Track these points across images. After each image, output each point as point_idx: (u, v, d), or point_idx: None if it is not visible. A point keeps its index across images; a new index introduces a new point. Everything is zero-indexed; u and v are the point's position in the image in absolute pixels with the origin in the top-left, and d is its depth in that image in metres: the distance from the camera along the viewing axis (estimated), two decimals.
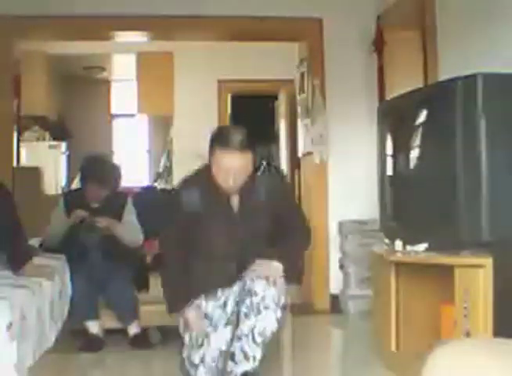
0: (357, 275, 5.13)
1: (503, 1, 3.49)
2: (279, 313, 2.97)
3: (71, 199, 4.45)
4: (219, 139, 2.98)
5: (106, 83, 9.60)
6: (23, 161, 7.31)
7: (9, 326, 2.44)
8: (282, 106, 8.02)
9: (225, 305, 3.10)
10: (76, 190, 4.92)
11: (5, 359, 2.40)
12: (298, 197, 6.81)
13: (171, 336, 4.28)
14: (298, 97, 6.28)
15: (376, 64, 5.24)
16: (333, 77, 5.36)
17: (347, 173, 5.34)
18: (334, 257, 5.34)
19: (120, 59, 8.52)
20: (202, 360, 3.03)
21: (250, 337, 2.92)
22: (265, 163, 10.26)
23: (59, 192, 7.46)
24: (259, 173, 3.37)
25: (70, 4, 5.08)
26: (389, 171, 3.55)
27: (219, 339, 3.04)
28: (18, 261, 3.23)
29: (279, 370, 3.77)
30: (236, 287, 3.08)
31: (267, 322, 2.94)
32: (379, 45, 5.17)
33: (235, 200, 3.11)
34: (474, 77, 2.84)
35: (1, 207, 3.22)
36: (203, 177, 3.09)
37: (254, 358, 2.92)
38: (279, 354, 4.04)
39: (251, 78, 7.48)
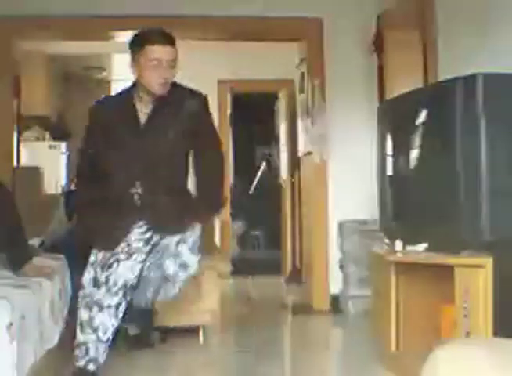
0: (357, 275, 5.13)
1: (503, 2, 3.49)
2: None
3: (72, 199, 4.45)
4: (146, 38, 3.10)
5: (106, 83, 9.60)
6: (23, 161, 7.31)
7: (9, 326, 2.44)
8: (282, 106, 8.02)
9: (147, 241, 3.28)
10: None
11: (5, 359, 2.40)
12: (298, 197, 6.80)
13: (171, 336, 4.29)
14: (298, 97, 6.29)
15: (376, 64, 5.24)
16: (333, 77, 5.36)
17: (347, 173, 5.34)
18: (334, 257, 5.34)
19: (120, 59, 8.50)
20: (106, 281, 3.24)
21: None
22: (264, 163, 10.29)
23: (59, 192, 7.46)
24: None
25: (70, 4, 5.08)
26: (389, 171, 3.55)
27: (127, 269, 3.25)
28: (18, 261, 3.23)
29: (280, 369, 3.78)
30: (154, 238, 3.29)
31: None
32: (379, 45, 5.17)
33: (144, 113, 3.19)
34: (474, 77, 2.84)
35: (1, 207, 3.22)
36: (116, 95, 3.33)
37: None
38: (280, 354, 4.05)
39: (251, 78, 7.48)
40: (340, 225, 5.29)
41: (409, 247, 3.29)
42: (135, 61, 3.13)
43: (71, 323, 3.81)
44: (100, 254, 3.26)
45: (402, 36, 4.94)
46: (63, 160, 8.26)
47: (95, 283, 3.26)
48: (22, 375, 2.57)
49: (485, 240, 2.82)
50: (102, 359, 3.32)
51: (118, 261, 3.24)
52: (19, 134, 6.55)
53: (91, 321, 3.27)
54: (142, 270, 3.34)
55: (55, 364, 3.42)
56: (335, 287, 5.32)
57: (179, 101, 3.20)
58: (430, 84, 3.97)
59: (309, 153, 5.54)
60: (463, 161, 2.86)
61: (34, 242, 4.20)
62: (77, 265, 3.99)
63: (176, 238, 3.35)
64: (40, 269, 3.30)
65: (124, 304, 3.28)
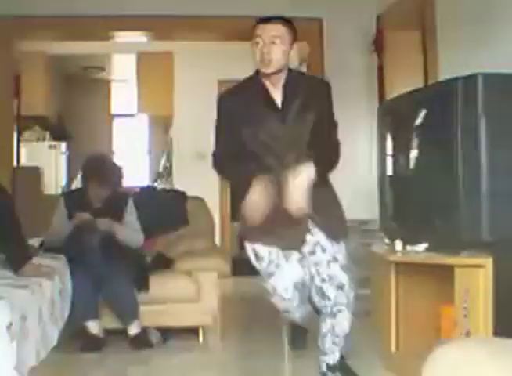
0: (357, 275, 5.12)
1: (503, 2, 3.49)
2: (349, 311, 3.15)
3: (72, 199, 4.45)
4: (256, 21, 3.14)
5: (106, 83, 9.60)
6: (23, 161, 7.31)
7: (9, 326, 2.44)
8: None
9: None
10: (76, 190, 4.92)
11: (5, 359, 2.40)
12: None
13: (171, 336, 4.29)
14: None
15: (376, 64, 5.24)
16: (333, 78, 5.35)
17: (347, 173, 5.32)
18: None
19: (120, 59, 8.52)
20: (274, 290, 3.14)
21: (329, 335, 3.19)
22: None
23: (59, 192, 7.47)
24: None
25: (70, 4, 5.08)
26: (389, 171, 3.55)
27: (289, 270, 3.11)
28: (18, 261, 3.23)
29: (279, 369, 3.78)
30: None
31: (342, 324, 3.14)
32: (379, 45, 5.17)
33: (278, 97, 3.08)
34: (474, 77, 2.84)
35: (1, 208, 3.22)
36: (244, 82, 3.16)
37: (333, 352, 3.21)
38: (279, 354, 4.05)
39: None
40: None
41: (409, 247, 3.28)
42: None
43: (72, 323, 3.82)
44: (263, 263, 3.15)
45: (402, 36, 4.94)
46: (63, 160, 8.26)
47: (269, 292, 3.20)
48: (22, 375, 2.56)
49: (485, 240, 2.82)
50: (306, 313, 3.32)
51: (278, 266, 3.12)
52: (19, 134, 6.55)
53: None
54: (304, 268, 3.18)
55: (55, 365, 3.42)
56: None
57: (304, 84, 3.14)
58: (430, 84, 3.97)
59: None
60: (463, 161, 2.86)
61: (34, 242, 4.20)
62: (78, 266, 3.99)
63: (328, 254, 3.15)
64: (40, 269, 3.30)
65: (299, 296, 3.18)
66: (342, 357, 3.26)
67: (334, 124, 3.34)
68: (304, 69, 5.66)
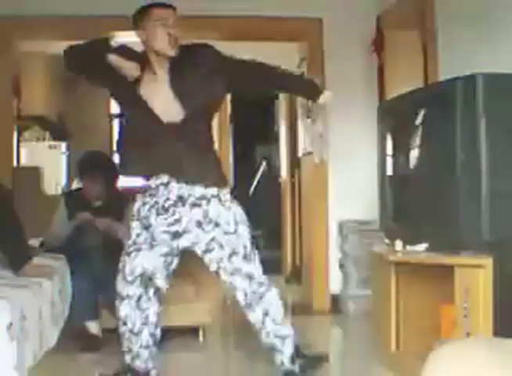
0: (357, 275, 5.13)
1: (503, 2, 3.49)
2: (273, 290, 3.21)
3: (72, 199, 4.46)
4: (151, 5, 3.21)
5: None
6: (23, 161, 7.31)
7: (9, 326, 2.44)
8: (282, 106, 8.02)
9: (174, 235, 3.12)
10: (76, 190, 4.91)
11: (4, 359, 2.40)
12: (298, 197, 6.82)
13: (171, 336, 4.29)
14: (298, 97, 6.28)
15: (376, 64, 5.24)
16: (333, 77, 5.36)
17: (347, 173, 5.34)
18: (334, 257, 5.34)
19: None
20: (122, 269, 3.15)
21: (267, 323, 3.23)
22: (264, 163, 10.29)
23: (59, 192, 7.46)
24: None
25: (70, 4, 5.08)
26: (389, 171, 3.55)
27: (146, 259, 3.12)
28: (18, 261, 3.23)
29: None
30: (195, 211, 3.09)
31: (273, 303, 3.21)
32: (379, 45, 5.17)
33: (164, 76, 3.21)
34: (474, 77, 2.84)
35: (1, 208, 3.22)
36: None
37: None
38: None
39: None
40: (340, 225, 5.29)
41: (409, 247, 3.29)
42: (141, 29, 3.26)
43: (71, 323, 3.82)
44: (129, 240, 3.17)
45: (402, 36, 4.94)
46: (63, 160, 8.25)
47: (118, 271, 3.18)
48: (22, 375, 2.56)
49: (485, 240, 2.82)
50: (143, 354, 3.24)
51: (139, 250, 3.12)
52: (19, 134, 6.56)
53: (118, 312, 3.18)
54: (167, 266, 3.20)
55: (54, 365, 3.42)
56: (335, 287, 5.32)
57: (192, 58, 3.23)
58: (430, 84, 3.97)
59: (309, 153, 5.54)
60: (463, 161, 2.86)
61: (34, 242, 4.20)
62: (78, 266, 4.00)
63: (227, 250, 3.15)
64: (40, 269, 3.30)
65: (145, 297, 3.16)
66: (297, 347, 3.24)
67: (256, 63, 3.33)
68: (303, 69, 5.67)
